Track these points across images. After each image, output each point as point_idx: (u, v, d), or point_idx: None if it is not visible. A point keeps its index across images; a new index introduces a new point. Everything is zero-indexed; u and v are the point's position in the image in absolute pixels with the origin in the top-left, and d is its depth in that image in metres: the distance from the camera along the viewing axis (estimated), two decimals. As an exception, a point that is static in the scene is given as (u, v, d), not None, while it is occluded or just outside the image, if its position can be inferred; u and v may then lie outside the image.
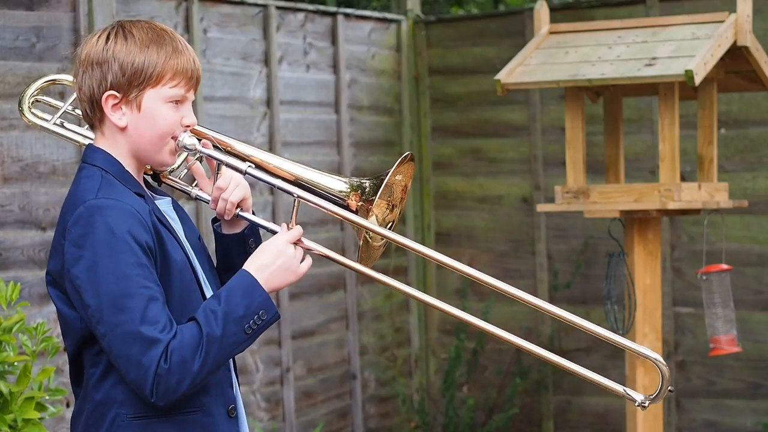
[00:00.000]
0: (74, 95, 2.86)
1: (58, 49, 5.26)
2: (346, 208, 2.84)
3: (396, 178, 2.86)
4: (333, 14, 7.07)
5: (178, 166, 2.92)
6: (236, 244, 2.91)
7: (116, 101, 2.73)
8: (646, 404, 2.87)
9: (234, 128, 6.28)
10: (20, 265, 5.08)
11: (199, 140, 2.82)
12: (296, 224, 2.79)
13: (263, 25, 6.57)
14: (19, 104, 3.01)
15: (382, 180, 2.82)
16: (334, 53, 7.05)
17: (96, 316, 2.61)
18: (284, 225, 2.78)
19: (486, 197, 7.49)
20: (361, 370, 7.16)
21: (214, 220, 2.95)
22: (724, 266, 5.24)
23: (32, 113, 3.01)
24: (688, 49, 4.89)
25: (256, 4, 6.51)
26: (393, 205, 2.89)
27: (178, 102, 2.76)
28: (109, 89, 2.72)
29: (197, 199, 2.90)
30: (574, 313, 2.93)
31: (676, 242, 6.97)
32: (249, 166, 2.82)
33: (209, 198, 2.87)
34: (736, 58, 5.09)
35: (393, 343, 7.45)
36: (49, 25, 5.25)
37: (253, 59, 6.50)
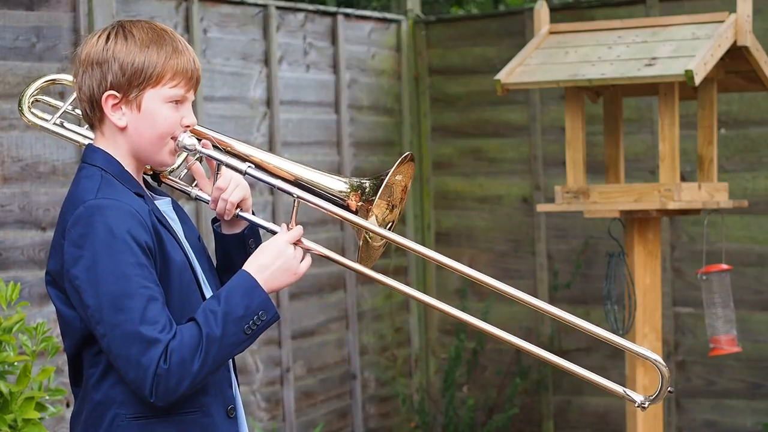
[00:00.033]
0: (74, 95, 2.86)
1: (58, 49, 5.26)
2: (346, 208, 2.84)
3: (396, 178, 2.86)
4: (333, 14, 7.07)
5: (178, 166, 2.92)
6: (236, 244, 2.91)
7: (116, 101, 2.73)
8: (646, 405, 2.87)
9: (234, 128, 6.28)
10: (20, 265, 5.08)
11: (199, 140, 2.82)
12: (296, 224, 2.79)
13: (263, 25, 6.57)
14: (19, 104, 3.01)
15: (382, 180, 2.82)
16: (334, 53, 7.05)
17: (95, 316, 2.61)
18: (284, 225, 2.78)
19: (486, 197, 7.49)
20: (361, 370, 7.16)
21: (214, 221, 2.95)
22: (724, 266, 5.24)
23: (32, 113, 3.01)
24: (688, 49, 4.89)
25: (256, 4, 6.51)
26: (393, 205, 2.89)
27: (178, 102, 2.76)
28: (109, 89, 2.72)
29: (197, 199, 2.90)
30: (574, 313, 2.93)
31: (676, 242, 6.97)
32: (249, 167, 2.82)
33: (209, 198, 2.87)
34: (736, 58, 5.09)
35: (393, 343, 7.45)
36: (49, 25, 5.25)
37: (253, 59, 6.50)
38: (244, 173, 2.83)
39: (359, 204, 2.84)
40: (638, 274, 5.10)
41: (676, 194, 4.92)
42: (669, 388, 2.85)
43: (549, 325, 7.21)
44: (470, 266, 2.90)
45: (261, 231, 2.92)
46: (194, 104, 2.86)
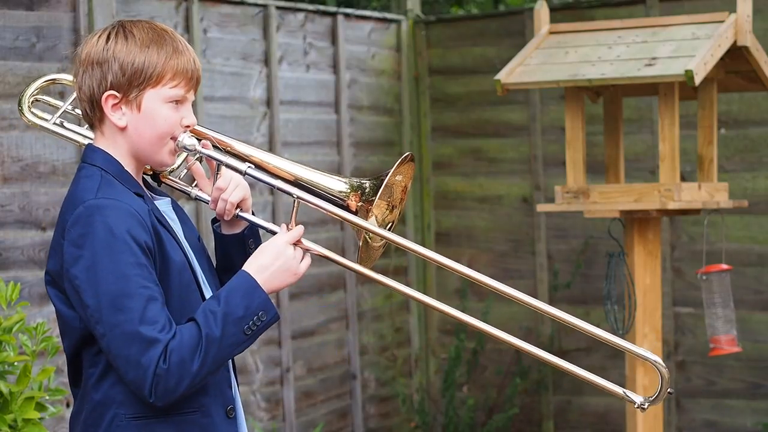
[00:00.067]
0: (74, 95, 2.86)
1: (58, 49, 5.26)
2: (346, 208, 2.84)
3: (396, 178, 2.86)
4: (333, 14, 7.07)
5: (178, 167, 2.92)
6: (236, 244, 2.91)
7: (116, 101, 2.73)
8: (646, 406, 2.87)
9: (234, 128, 6.28)
10: (20, 265, 5.08)
11: (199, 140, 2.82)
12: (296, 224, 2.79)
13: (263, 25, 6.57)
14: (19, 104, 3.01)
15: (382, 180, 2.81)
16: (334, 53, 7.05)
17: (95, 316, 2.61)
18: (284, 226, 2.78)
19: (486, 197, 7.49)
20: (361, 370, 7.16)
21: (214, 221, 2.95)
22: (724, 266, 5.24)
23: (32, 113, 3.01)
24: (688, 49, 4.89)
25: (256, 4, 6.51)
26: (393, 205, 2.89)
27: (178, 102, 2.76)
28: (109, 89, 2.72)
29: (197, 199, 2.90)
30: (573, 313, 2.93)
31: (676, 242, 6.96)
32: (249, 167, 2.82)
33: (209, 198, 2.87)
34: (736, 58, 5.09)
35: (393, 343, 7.45)
36: (49, 25, 5.25)
37: (253, 59, 6.50)
38: (243, 173, 2.82)
39: (359, 204, 2.84)
40: (638, 274, 5.10)
41: (676, 194, 4.92)
42: (669, 389, 2.85)
43: (549, 325, 7.21)
44: (470, 266, 2.90)
45: (261, 231, 2.91)
46: (194, 104, 2.86)
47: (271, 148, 6.49)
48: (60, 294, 2.70)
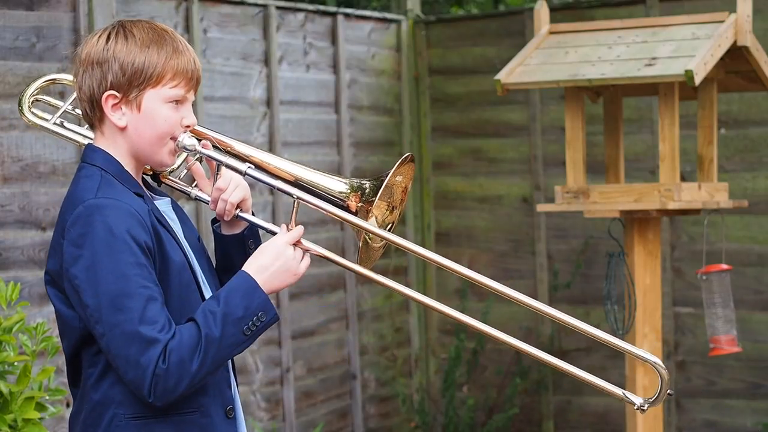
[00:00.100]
0: (74, 95, 2.86)
1: (58, 49, 5.26)
2: (346, 209, 2.84)
3: (396, 179, 2.86)
4: (333, 14, 7.07)
5: (178, 167, 2.92)
6: (236, 244, 2.91)
7: (116, 101, 2.73)
8: (645, 408, 2.87)
9: (234, 128, 6.28)
10: (20, 265, 5.08)
11: (199, 141, 2.82)
12: (296, 225, 2.79)
13: (263, 25, 6.57)
14: (19, 103, 3.01)
15: (382, 181, 2.81)
16: (334, 53, 7.05)
17: (94, 316, 2.61)
18: (284, 226, 2.78)
19: (486, 197, 7.49)
20: (361, 370, 7.16)
21: (214, 221, 2.95)
22: (724, 266, 5.24)
23: (32, 113, 3.01)
24: (688, 49, 4.89)
25: (256, 4, 6.51)
26: (393, 206, 2.89)
27: (178, 102, 2.76)
28: (109, 89, 2.72)
29: (197, 199, 2.90)
30: (573, 313, 2.93)
31: (676, 242, 6.97)
32: (249, 167, 2.82)
33: (209, 198, 2.87)
34: (736, 58, 5.09)
35: (393, 343, 7.45)
36: (49, 25, 5.25)
37: (253, 59, 6.50)
38: (243, 174, 2.82)
39: (359, 205, 2.83)
40: (638, 274, 5.10)
41: (676, 194, 4.92)
42: (668, 391, 2.84)
43: (549, 325, 7.21)
44: (470, 266, 2.90)
45: (261, 232, 2.91)
46: (194, 104, 2.86)
47: (271, 148, 6.49)
48: (59, 294, 2.70)
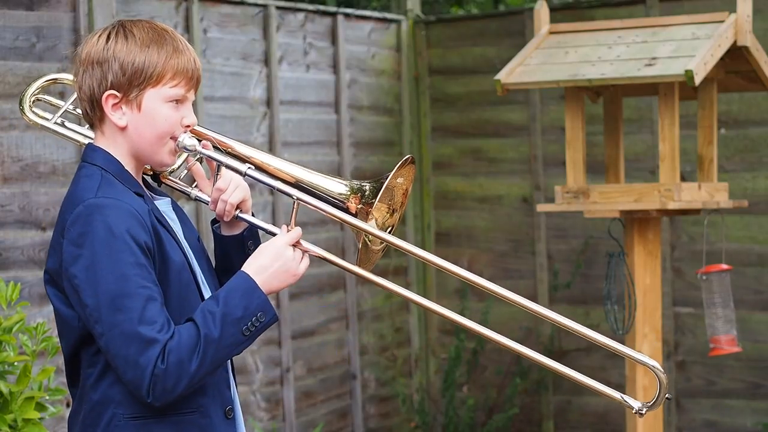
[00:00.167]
0: (75, 94, 2.86)
1: (58, 49, 5.26)
2: (346, 210, 2.83)
3: (397, 181, 2.85)
4: (333, 14, 7.07)
5: (178, 167, 2.92)
6: (235, 245, 2.91)
7: (116, 101, 2.73)
8: (643, 412, 2.87)
9: (234, 128, 6.28)
10: (20, 265, 5.08)
11: (199, 141, 2.82)
12: (296, 226, 2.79)
13: (263, 25, 6.57)
14: (20, 103, 3.01)
15: (383, 183, 2.81)
16: (334, 53, 7.05)
17: (94, 316, 2.61)
18: (284, 227, 2.78)
19: (486, 197, 7.49)
20: (361, 370, 7.16)
21: (214, 221, 2.95)
22: (724, 266, 5.24)
23: (33, 112, 3.01)
24: (688, 49, 4.89)
25: (256, 4, 6.51)
26: (393, 209, 2.88)
27: (178, 102, 2.76)
28: (110, 89, 2.72)
29: (197, 200, 2.90)
30: (574, 313, 2.93)
31: (676, 242, 6.97)
32: (249, 168, 2.82)
33: (209, 199, 2.87)
34: (736, 58, 5.09)
35: (393, 343, 7.45)
36: (49, 25, 5.25)
37: (253, 59, 6.50)
38: (244, 174, 2.82)
39: (359, 207, 2.83)
40: (638, 274, 5.10)
41: (676, 194, 4.92)
42: (667, 395, 2.84)
43: (549, 325, 7.21)
44: (470, 266, 2.90)
45: (260, 232, 2.91)
46: (194, 104, 2.86)
47: (271, 148, 6.49)
48: (59, 293, 2.70)
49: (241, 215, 2.85)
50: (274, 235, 2.79)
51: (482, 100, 7.42)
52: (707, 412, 6.91)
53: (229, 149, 2.89)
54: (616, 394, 2.86)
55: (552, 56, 5.15)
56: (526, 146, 7.34)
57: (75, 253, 2.62)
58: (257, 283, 2.69)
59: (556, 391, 7.29)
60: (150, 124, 2.74)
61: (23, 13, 5.17)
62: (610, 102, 5.33)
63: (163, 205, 2.83)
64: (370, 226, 2.82)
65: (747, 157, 6.80)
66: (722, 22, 4.98)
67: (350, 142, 7.13)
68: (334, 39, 7.05)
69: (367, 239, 2.84)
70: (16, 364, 4.04)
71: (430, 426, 7.42)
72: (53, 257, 2.70)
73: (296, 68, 6.78)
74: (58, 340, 3.95)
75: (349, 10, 7.25)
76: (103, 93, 2.72)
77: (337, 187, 2.85)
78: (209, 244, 3.00)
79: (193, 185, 2.91)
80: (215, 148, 2.86)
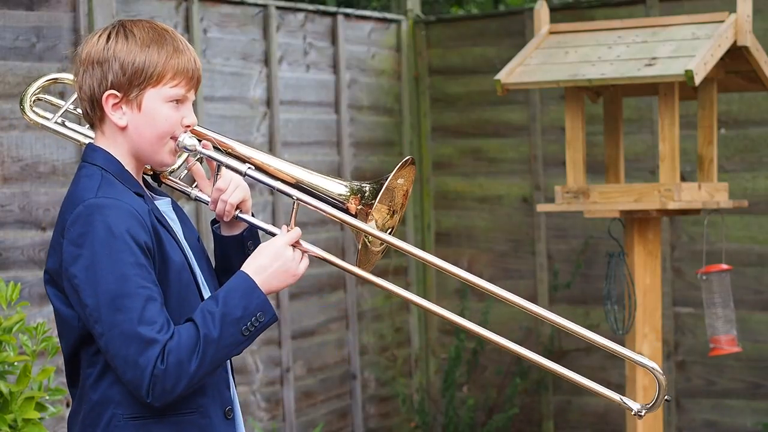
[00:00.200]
0: (75, 94, 2.86)
1: (58, 49, 5.26)
2: (346, 211, 2.83)
3: (398, 182, 2.85)
4: (333, 14, 7.07)
5: (179, 167, 2.92)
6: (235, 245, 2.91)
7: (117, 101, 2.73)
8: (642, 414, 2.86)
9: (234, 128, 6.28)
10: (20, 265, 5.08)
11: (200, 141, 2.82)
12: (296, 226, 2.79)
13: (263, 25, 6.57)
14: (21, 102, 3.01)
15: (382, 184, 2.81)
16: (334, 53, 7.05)
17: (94, 316, 2.61)
18: (284, 227, 2.78)
19: (486, 197, 7.49)
20: (361, 370, 7.16)
21: (214, 222, 2.95)
22: (724, 266, 5.24)
23: (33, 112, 3.01)
24: (688, 49, 4.89)
25: (256, 4, 6.51)
26: (394, 210, 2.88)
27: (178, 102, 2.76)
28: (110, 88, 2.72)
29: (197, 200, 2.90)
30: (574, 314, 2.93)
31: (676, 242, 6.96)
32: (249, 168, 2.82)
33: (209, 199, 2.87)
34: (736, 58, 5.09)
35: (393, 343, 7.45)
36: (49, 25, 5.25)
37: (253, 59, 6.50)
38: (244, 174, 2.82)
39: (359, 207, 2.83)
40: (638, 274, 5.10)
41: (676, 194, 4.92)
42: (666, 397, 2.84)
43: (549, 325, 7.21)
44: (470, 266, 2.90)
45: (260, 232, 2.91)
46: (194, 104, 2.86)
47: (271, 148, 6.49)
48: (59, 293, 2.70)
49: (241, 215, 2.85)
50: (273, 235, 2.79)
51: (482, 100, 7.42)
52: (707, 412, 6.91)
53: (229, 149, 2.89)
54: (615, 396, 2.86)
55: (552, 56, 5.15)
56: (526, 146, 7.34)
57: (75, 253, 2.62)
58: (257, 283, 2.69)
59: (556, 391, 7.29)
60: (150, 124, 2.73)
61: (23, 13, 5.17)
62: (610, 102, 5.33)
63: (163, 205, 2.83)
64: (369, 227, 2.81)
65: (747, 157, 6.80)
66: (722, 22, 4.98)
67: (350, 142, 7.13)
68: (334, 39, 7.05)
69: (366, 240, 2.84)
70: (16, 364, 4.04)
71: (430, 426, 7.42)
72: (53, 257, 2.70)
73: (296, 68, 6.78)
74: (58, 340, 3.95)
75: (349, 10, 7.25)
76: (104, 93, 2.72)
77: (337, 187, 2.85)
78: (209, 244, 3.00)
79: (193, 185, 2.91)
80: (215, 148, 2.86)
